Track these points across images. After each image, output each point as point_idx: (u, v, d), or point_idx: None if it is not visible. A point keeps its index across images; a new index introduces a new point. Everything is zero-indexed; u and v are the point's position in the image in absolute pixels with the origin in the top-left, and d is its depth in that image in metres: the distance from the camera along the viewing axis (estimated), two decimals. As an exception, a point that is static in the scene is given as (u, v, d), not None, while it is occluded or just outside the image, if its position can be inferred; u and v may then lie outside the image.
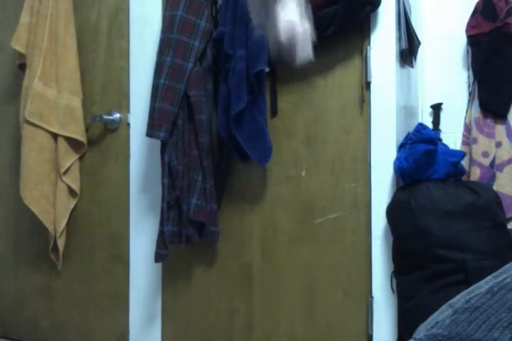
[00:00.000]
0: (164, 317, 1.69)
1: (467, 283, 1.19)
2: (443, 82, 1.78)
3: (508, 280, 0.62)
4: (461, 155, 1.42)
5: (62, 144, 1.79)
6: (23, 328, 1.96)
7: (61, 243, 1.81)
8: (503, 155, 1.60)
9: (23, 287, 1.96)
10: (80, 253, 1.84)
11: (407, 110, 1.61)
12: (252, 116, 1.44)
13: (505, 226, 1.35)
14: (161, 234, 1.51)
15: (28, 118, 1.75)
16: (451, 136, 1.71)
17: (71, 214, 1.84)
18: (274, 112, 1.54)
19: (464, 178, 1.56)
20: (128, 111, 1.75)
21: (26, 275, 1.96)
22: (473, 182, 1.57)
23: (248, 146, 1.44)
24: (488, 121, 1.62)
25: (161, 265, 1.69)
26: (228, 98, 1.45)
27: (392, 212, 1.38)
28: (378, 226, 1.43)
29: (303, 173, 1.51)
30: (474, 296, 0.63)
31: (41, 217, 1.77)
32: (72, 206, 1.83)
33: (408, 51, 1.51)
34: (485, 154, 1.61)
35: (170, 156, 1.50)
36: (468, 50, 1.74)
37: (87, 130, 1.82)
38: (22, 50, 1.83)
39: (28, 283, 1.95)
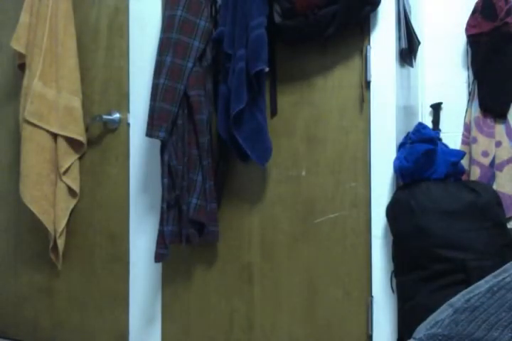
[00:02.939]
0: (164, 317, 1.69)
1: (467, 282, 1.19)
2: (443, 81, 1.79)
3: (508, 279, 0.62)
4: (460, 154, 1.42)
5: (62, 144, 1.79)
6: (23, 328, 1.96)
7: (61, 243, 1.81)
8: (502, 154, 1.60)
9: (23, 287, 1.96)
10: (80, 253, 1.84)
11: (406, 110, 1.61)
12: (251, 116, 1.44)
13: (506, 226, 1.35)
14: (161, 234, 1.51)
15: (27, 119, 1.75)
16: (451, 136, 1.72)
17: (71, 214, 1.84)
18: (274, 112, 1.54)
19: (464, 178, 1.56)
20: (128, 111, 1.75)
21: (26, 275, 1.96)
22: (473, 181, 1.57)
23: (248, 146, 1.44)
24: (488, 120, 1.63)
25: (161, 265, 1.69)
26: (228, 98, 1.45)
27: (392, 211, 1.38)
28: (378, 226, 1.43)
29: (303, 173, 1.51)
30: (474, 296, 0.63)
31: (41, 217, 1.77)
32: (72, 206, 1.83)
33: (408, 51, 1.51)
34: (485, 154, 1.61)
35: (170, 156, 1.50)
36: (467, 50, 1.74)
37: (86, 130, 1.82)
38: (22, 50, 1.82)
39: (28, 283, 1.95)
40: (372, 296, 1.43)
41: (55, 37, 1.78)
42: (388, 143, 1.42)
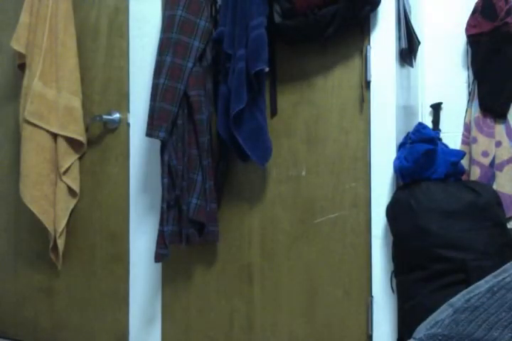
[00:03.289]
0: (164, 317, 1.69)
1: (467, 282, 1.19)
2: (443, 81, 1.79)
3: (508, 279, 0.62)
4: (460, 154, 1.42)
5: (62, 144, 1.79)
6: (23, 328, 1.96)
7: (61, 243, 1.81)
8: (502, 154, 1.60)
9: (23, 287, 1.96)
10: (80, 253, 1.84)
11: (406, 110, 1.61)
12: (251, 116, 1.44)
13: (505, 226, 1.35)
14: (161, 234, 1.51)
15: (27, 118, 1.75)
16: (451, 136, 1.72)
17: (71, 214, 1.84)
18: (274, 112, 1.54)
19: (464, 178, 1.56)
20: (128, 110, 1.75)
21: (26, 275, 1.96)
22: (473, 181, 1.57)
23: (248, 146, 1.44)
24: (488, 120, 1.63)
25: (161, 265, 1.69)
26: (228, 98, 1.45)
27: (392, 211, 1.38)
28: (378, 226, 1.43)
29: (303, 173, 1.51)
30: (474, 296, 0.63)
31: (41, 217, 1.77)
32: (72, 206, 1.83)
33: (408, 51, 1.51)
34: (485, 153, 1.61)
35: (170, 156, 1.50)
36: (467, 50, 1.74)
37: (86, 130, 1.82)
38: (22, 50, 1.83)
39: (28, 283, 1.95)
40: (372, 296, 1.43)
41: (55, 37, 1.78)
42: (388, 143, 1.42)
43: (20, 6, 1.85)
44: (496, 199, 1.36)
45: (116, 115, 1.78)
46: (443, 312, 0.65)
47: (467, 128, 1.68)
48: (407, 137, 1.42)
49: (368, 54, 1.43)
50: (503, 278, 0.63)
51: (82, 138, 1.80)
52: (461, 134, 1.70)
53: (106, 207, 1.80)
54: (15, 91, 1.96)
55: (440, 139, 1.55)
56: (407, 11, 1.53)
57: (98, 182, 1.81)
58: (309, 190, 1.51)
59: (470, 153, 1.64)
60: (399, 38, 1.46)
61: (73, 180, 1.82)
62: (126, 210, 1.74)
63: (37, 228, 1.87)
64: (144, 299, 1.71)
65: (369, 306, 1.43)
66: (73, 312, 1.86)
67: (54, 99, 1.78)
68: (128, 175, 1.74)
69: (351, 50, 1.46)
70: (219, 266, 1.62)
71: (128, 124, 1.75)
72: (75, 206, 1.84)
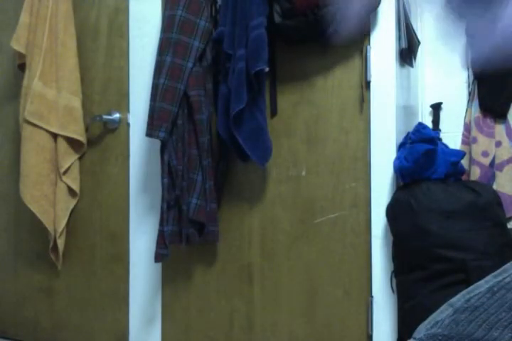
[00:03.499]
0: (164, 317, 1.69)
1: (467, 282, 1.19)
2: (443, 81, 1.79)
3: (508, 279, 0.62)
4: (461, 154, 1.43)
5: (62, 144, 1.79)
6: (23, 328, 1.96)
7: (61, 243, 1.81)
8: (502, 154, 1.60)
9: (23, 287, 1.96)
10: (80, 253, 1.84)
11: (406, 110, 1.61)
12: (251, 116, 1.44)
13: (505, 226, 1.35)
14: (161, 234, 1.51)
15: (27, 119, 1.75)
16: (451, 136, 1.72)
17: (71, 214, 1.84)
18: (274, 112, 1.54)
19: (464, 178, 1.56)
20: (128, 110, 1.75)
21: (26, 275, 1.96)
22: (473, 181, 1.57)
23: (248, 146, 1.44)
24: (488, 120, 1.63)
25: (161, 265, 1.69)
26: (228, 98, 1.45)
27: (392, 211, 1.38)
28: (378, 226, 1.43)
29: (303, 173, 1.51)
30: (474, 296, 0.63)
31: (41, 217, 1.77)
32: (72, 206, 1.83)
33: (408, 51, 1.51)
34: (485, 153, 1.61)
35: (170, 156, 1.50)
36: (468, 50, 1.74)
37: (86, 130, 1.82)
38: (22, 50, 1.83)
39: (28, 283, 1.95)
40: (372, 296, 1.43)
41: (55, 37, 1.78)
42: (388, 143, 1.42)
43: (20, 6, 1.85)
44: (496, 199, 1.36)
45: (116, 115, 1.78)
46: (443, 312, 0.65)
47: (467, 128, 1.68)
48: (407, 137, 1.42)
49: (368, 54, 1.43)
50: (503, 278, 0.63)
51: (82, 138, 1.80)
52: (461, 134, 1.70)
53: (106, 207, 1.80)
54: (15, 91, 1.96)
55: (440, 139, 1.55)
56: (407, 10, 1.53)
57: (98, 182, 1.81)
58: (309, 190, 1.51)
59: (470, 153, 1.64)
60: (399, 38, 1.46)
61: (73, 180, 1.82)
62: (126, 210, 1.74)
63: (37, 228, 1.87)
64: (144, 299, 1.71)
65: (369, 306, 1.43)
66: (73, 312, 1.86)
67: (54, 99, 1.78)
68: (128, 175, 1.74)
69: (351, 50, 1.46)
70: (219, 266, 1.63)
71: (128, 124, 1.75)
72: (75, 206, 1.84)
